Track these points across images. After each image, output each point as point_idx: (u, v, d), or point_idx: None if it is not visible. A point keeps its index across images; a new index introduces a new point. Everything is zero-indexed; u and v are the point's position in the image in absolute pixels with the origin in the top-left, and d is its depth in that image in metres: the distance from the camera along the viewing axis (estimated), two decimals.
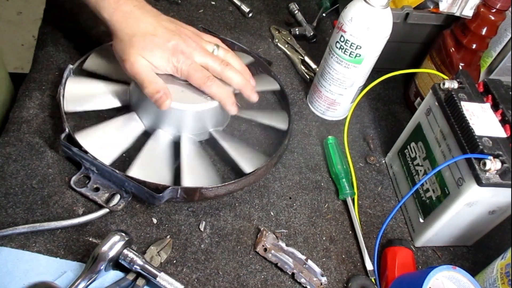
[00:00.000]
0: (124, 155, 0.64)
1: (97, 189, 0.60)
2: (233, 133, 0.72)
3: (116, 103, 0.67)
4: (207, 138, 0.69)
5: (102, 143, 0.62)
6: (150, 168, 0.61)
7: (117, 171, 0.58)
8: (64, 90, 0.66)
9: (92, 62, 0.72)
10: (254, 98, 0.67)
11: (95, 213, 0.58)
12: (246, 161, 0.64)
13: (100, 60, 0.72)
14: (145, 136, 0.65)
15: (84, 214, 0.58)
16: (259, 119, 0.72)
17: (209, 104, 0.64)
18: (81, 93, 0.67)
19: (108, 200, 0.60)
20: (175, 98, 0.62)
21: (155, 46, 0.61)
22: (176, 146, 0.65)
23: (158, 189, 0.58)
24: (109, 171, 0.59)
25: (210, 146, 0.70)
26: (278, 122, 0.72)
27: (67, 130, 0.61)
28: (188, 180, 0.60)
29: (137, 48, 0.60)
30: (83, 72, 0.71)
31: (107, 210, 0.59)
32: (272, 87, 0.77)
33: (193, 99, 0.63)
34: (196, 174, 0.62)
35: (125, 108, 0.68)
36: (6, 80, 0.74)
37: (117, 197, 0.60)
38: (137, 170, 0.60)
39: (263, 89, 0.77)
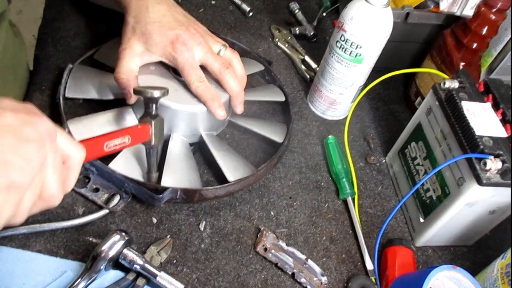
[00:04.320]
0: None
1: (96, 190, 0.60)
2: (226, 140, 0.72)
3: (118, 96, 0.67)
4: (197, 140, 0.68)
5: (91, 133, 0.61)
6: (132, 162, 0.61)
7: (117, 171, 0.58)
8: (64, 90, 0.66)
9: (103, 53, 0.73)
10: (239, 110, 0.67)
11: (95, 214, 0.58)
12: (230, 170, 0.63)
13: (111, 52, 0.72)
14: None
15: (84, 214, 0.58)
16: (256, 129, 0.71)
17: (202, 106, 0.63)
18: (85, 82, 0.67)
19: (108, 200, 0.60)
20: (169, 96, 0.62)
21: (155, 32, 0.60)
22: (165, 144, 0.65)
23: (158, 190, 0.58)
24: (108, 172, 0.59)
25: (200, 150, 0.69)
26: (275, 134, 0.71)
27: (66, 130, 0.61)
28: (167, 179, 0.60)
29: (137, 34, 0.61)
30: (94, 63, 0.72)
31: (107, 211, 0.59)
32: (278, 98, 0.77)
33: (186, 100, 0.63)
34: (177, 174, 0.62)
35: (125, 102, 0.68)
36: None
37: (117, 198, 0.60)
38: (119, 164, 0.60)
39: (268, 99, 0.77)
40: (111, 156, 0.61)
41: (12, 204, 0.35)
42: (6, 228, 0.54)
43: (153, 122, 0.57)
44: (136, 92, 0.58)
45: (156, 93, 0.56)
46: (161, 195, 0.57)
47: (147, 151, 0.59)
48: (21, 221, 0.38)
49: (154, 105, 0.57)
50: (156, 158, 0.60)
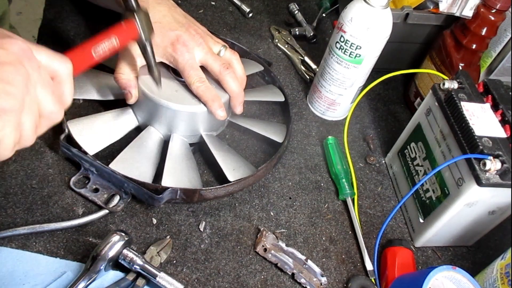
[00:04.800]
0: (114, 148, 0.64)
1: (96, 190, 0.60)
2: (226, 140, 0.72)
3: (118, 97, 0.67)
4: (197, 141, 0.68)
5: (91, 133, 0.62)
6: (132, 162, 0.61)
7: (116, 171, 0.58)
8: None
9: None
10: (239, 111, 0.67)
11: (95, 214, 0.58)
12: (231, 170, 0.63)
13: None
14: (138, 131, 0.65)
15: (84, 214, 0.58)
16: (255, 129, 0.71)
17: (202, 106, 0.63)
18: (85, 82, 0.67)
19: (108, 200, 0.60)
20: (169, 97, 0.62)
21: (155, 33, 0.60)
22: (165, 145, 0.65)
23: (158, 190, 0.58)
24: (108, 172, 0.59)
25: (200, 150, 0.69)
26: (275, 134, 0.71)
27: (66, 131, 0.61)
28: (168, 179, 0.60)
29: None
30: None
31: (106, 211, 0.59)
32: (277, 99, 0.77)
33: (186, 100, 0.63)
34: (177, 175, 0.61)
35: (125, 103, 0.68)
36: None
37: (117, 198, 0.60)
38: (119, 163, 0.60)
39: (268, 100, 0.77)
40: (111, 156, 0.61)
41: (11, 128, 0.35)
42: (6, 228, 0.54)
43: (136, 16, 0.55)
44: None
45: None
46: (160, 195, 0.57)
47: (141, 49, 0.58)
48: (31, 142, 0.38)
49: None
50: (152, 52, 0.59)
